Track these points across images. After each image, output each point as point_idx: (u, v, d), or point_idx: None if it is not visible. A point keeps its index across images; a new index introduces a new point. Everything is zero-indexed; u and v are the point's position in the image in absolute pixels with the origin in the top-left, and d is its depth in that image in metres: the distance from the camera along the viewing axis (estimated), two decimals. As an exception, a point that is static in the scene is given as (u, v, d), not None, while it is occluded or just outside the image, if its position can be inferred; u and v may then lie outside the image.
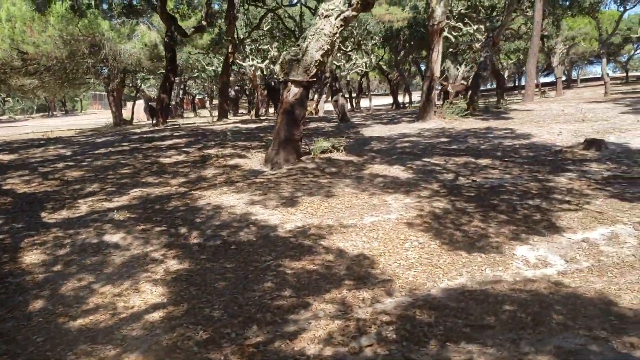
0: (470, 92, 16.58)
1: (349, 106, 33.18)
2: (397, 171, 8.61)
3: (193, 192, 7.57)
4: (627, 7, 33.48)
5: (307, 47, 8.49)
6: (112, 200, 7.26)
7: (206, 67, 42.74)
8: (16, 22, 23.42)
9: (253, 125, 17.95)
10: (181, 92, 57.95)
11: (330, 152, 9.94)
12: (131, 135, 16.54)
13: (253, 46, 34.56)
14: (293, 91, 8.67)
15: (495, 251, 5.06)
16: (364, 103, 45.99)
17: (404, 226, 5.78)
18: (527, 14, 30.21)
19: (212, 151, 10.92)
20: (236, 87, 45.90)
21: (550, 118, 15.18)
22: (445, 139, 12.04)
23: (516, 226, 5.74)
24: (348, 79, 44.31)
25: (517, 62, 46.63)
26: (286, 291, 4.22)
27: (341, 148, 10.10)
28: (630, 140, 10.97)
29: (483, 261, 4.83)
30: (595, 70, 66.36)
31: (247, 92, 47.89)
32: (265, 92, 32.02)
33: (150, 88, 59.52)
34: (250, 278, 4.51)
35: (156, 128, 20.48)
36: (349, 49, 33.99)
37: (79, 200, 7.24)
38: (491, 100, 29.04)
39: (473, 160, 9.48)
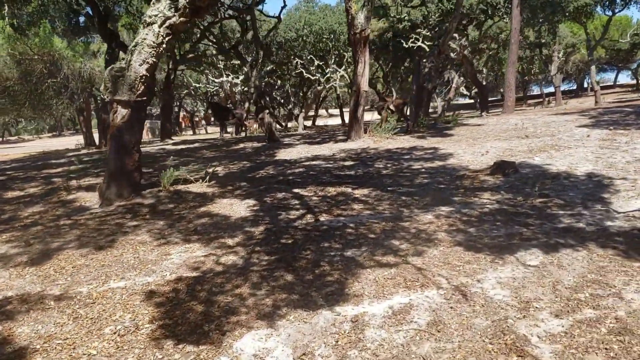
0: (407, 107, 15.04)
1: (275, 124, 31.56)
2: (241, 208, 7.18)
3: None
4: (616, 11, 31.63)
5: (130, 61, 7.13)
6: None
7: (194, 84, 41.84)
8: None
9: (183, 147, 16.63)
10: (176, 109, 56.88)
11: (192, 182, 8.52)
12: (46, 160, 15.33)
13: (227, 62, 33.32)
14: (121, 113, 7.29)
15: (214, 341, 3.59)
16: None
17: (140, 297, 4.34)
18: (504, 20, 28.71)
19: (73, 182, 9.56)
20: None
21: (494, 134, 13.63)
22: (352, 163, 10.58)
23: (289, 293, 4.27)
24: (338, 92, 42.78)
25: (521, 71, 44.71)
26: None
27: (207, 177, 8.69)
28: (557, 161, 9.43)
29: (179, 360, 3.36)
30: (610, 77, 63.71)
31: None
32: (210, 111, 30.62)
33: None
34: None
35: (92, 151, 19.33)
36: (332, 62, 32.68)
37: None
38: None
39: (350, 190, 8.02)
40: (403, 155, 11.09)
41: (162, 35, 7.02)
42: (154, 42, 7.00)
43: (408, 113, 14.82)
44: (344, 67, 33.12)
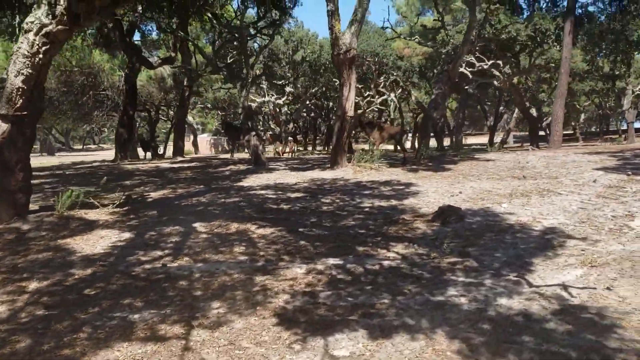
0: (401, 137, 13.72)
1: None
2: (106, 242, 6.33)
3: None
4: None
5: (7, 71, 6.51)
6: None
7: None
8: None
9: (175, 166, 16.10)
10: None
11: (97, 207, 7.77)
12: (50, 171, 15.20)
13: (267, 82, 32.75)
14: (1, 128, 6.65)
15: None
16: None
17: None
18: (554, 48, 26.59)
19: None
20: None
21: (492, 173, 12.15)
22: (301, 195, 9.53)
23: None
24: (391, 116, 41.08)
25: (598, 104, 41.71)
26: None
27: (118, 203, 7.92)
28: (527, 209, 8.04)
29: None
30: None
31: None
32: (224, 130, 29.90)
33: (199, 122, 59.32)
34: None
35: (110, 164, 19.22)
36: (381, 86, 31.54)
37: None
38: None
39: (254, 228, 7.00)
40: (365, 190, 9.91)
41: (38, 45, 6.33)
42: (28, 52, 6.32)
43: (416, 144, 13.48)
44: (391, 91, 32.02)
